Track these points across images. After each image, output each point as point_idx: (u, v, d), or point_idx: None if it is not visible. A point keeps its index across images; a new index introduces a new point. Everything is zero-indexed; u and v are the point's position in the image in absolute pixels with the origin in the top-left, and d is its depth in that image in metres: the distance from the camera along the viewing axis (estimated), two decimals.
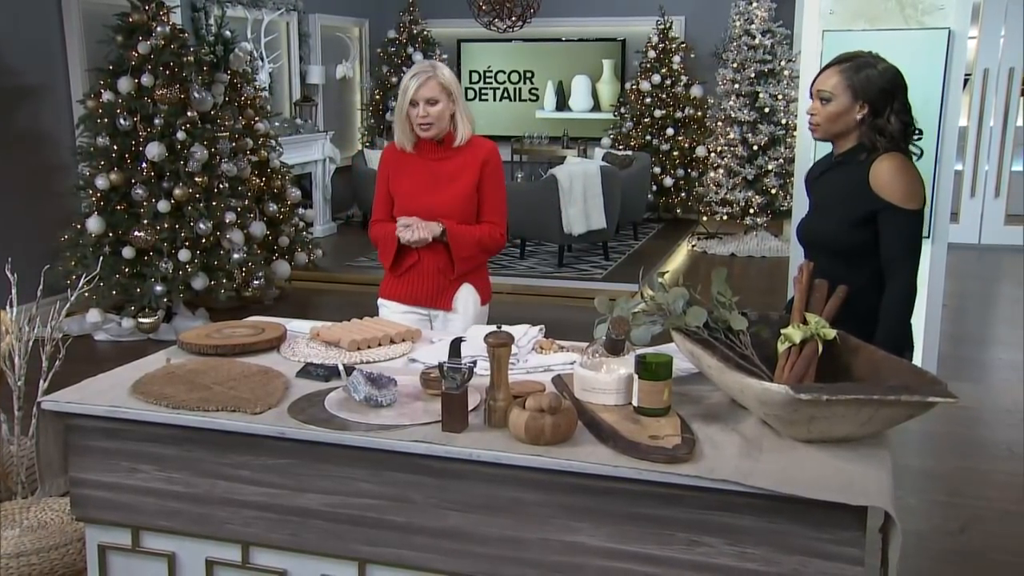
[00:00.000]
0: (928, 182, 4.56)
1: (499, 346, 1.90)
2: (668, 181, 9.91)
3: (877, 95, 2.37)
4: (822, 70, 2.47)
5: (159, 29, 5.85)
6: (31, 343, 3.09)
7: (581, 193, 7.71)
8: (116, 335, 5.91)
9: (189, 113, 5.92)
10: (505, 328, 2.42)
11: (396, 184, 3.03)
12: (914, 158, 2.46)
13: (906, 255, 2.37)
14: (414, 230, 2.89)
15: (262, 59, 8.48)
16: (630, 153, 9.26)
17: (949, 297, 5.75)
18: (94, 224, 5.73)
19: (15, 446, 3.17)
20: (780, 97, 8.88)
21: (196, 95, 5.97)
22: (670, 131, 9.86)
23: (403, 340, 2.53)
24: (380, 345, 2.48)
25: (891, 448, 1.83)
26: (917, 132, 2.45)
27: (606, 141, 10.14)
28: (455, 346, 1.97)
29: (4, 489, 3.38)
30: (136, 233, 5.76)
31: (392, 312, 3.05)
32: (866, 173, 2.38)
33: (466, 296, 3.06)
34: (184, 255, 5.85)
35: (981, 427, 4.58)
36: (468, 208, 2.98)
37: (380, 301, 3.13)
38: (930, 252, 4.70)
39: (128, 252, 5.79)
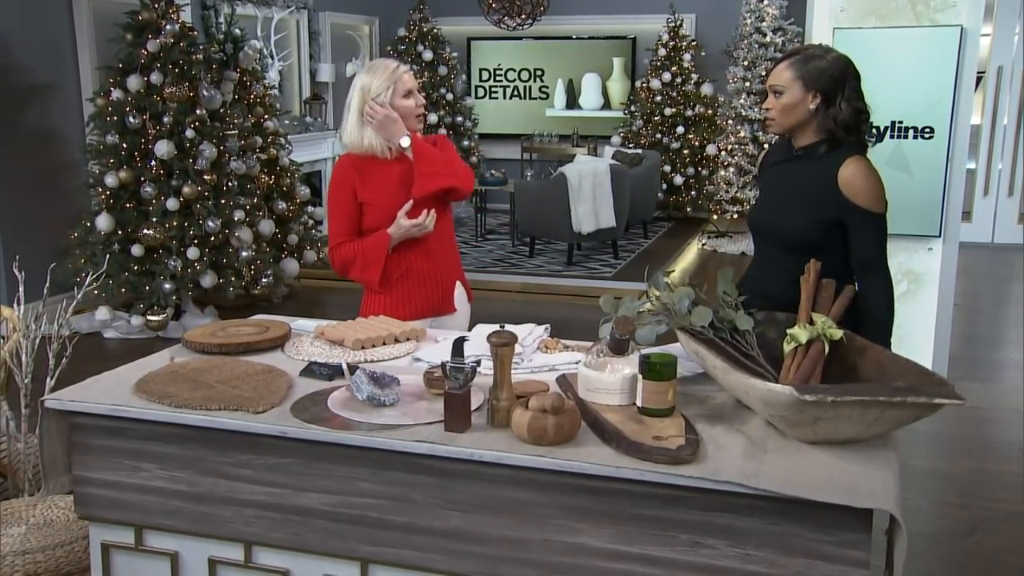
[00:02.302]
0: (939, 180, 4.57)
1: (502, 346, 1.89)
2: (678, 179, 9.88)
3: (827, 83, 2.39)
4: (774, 65, 2.49)
5: (168, 27, 5.87)
6: (38, 341, 3.09)
7: (591, 191, 7.70)
8: (125, 333, 5.93)
9: (198, 111, 5.94)
10: (510, 327, 2.41)
11: (372, 192, 2.82)
12: (870, 144, 2.50)
13: (882, 256, 2.42)
14: (423, 218, 2.77)
15: (272, 57, 8.49)
16: (640, 151, 9.24)
17: (960, 296, 5.72)
18: (103, 222, 5.75)
19: (22, 443, 3.18)
20: None
21: (205, 93, 5.98)
22: (680, 129, 9.84)
23: (407, 339, 2.52)
24: (384, 344, 2.47)
25: (898, 449, 1.81)
26: (867, 118, 2.46)
27: (616, 139, 10.12)
28: (458, 345, 1.95)
29: (12, 486, 3.39)
30: (145, 231, 5.78)
31: None
32: (833, 175, 2.38)
33: (460, 295, 3.02)
34: (193, 253, 5.87)
35: (992, 428, 4.55)
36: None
37: None
38: (941, 251, 4.68)
39: (137, 250, 5.81)
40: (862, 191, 2.36)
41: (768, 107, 2.47)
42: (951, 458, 4.21)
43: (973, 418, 4.56)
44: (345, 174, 2.84)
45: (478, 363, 2.13)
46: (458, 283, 3.03)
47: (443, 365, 1.91)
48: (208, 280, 5.97)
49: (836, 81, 2.39)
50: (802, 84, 2.40)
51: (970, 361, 5.51)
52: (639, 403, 1.90)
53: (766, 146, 8.85)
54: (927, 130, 4.59)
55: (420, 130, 2.88)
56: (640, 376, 1.89)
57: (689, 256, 8.76)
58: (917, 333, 4.72)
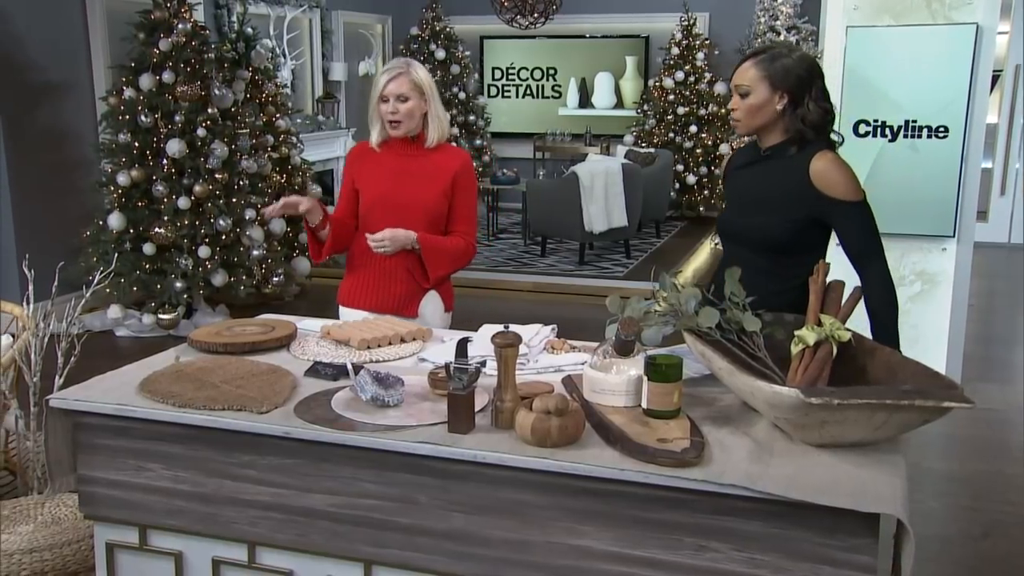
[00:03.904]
0: (954, 180, 4.53)
1: (506, 346, 1.87)
2: (691, 179, 9.84)
3: (794, 83, 2.34)
4: (738, 65, 2.43)
5: (180, 26, 5.87)
6: (46, 339, 3.10)
7: (602, 191, 7.67)
8: (137, 331, 5.94)
9: (209, 110, 5.94)
10: (515, 328, 2.40)
11: (362, 179, 2.95)
12: (837, 146, 2.43)
13: (873, 245, 2.34)
14: (384, 242, 2.79)
15: (284, 56, 8.50)
16: (652, 151, 9.21)
17: (976, 297, 5.67)
18: (115, 220, 5.77)
19: (31, 442, 3.19)
20: None
21: (216, 92, 5.99)
22: (693, 128, 9.80)
23: (413, 339, 2.51)
24: (390, 344, 2.46)
25: (906, 453, 1.79)
26: (833, 119, 2.40)
27: (629, 138, 10.09)
28: (462, 346, 1.94)
29: (21, 484, 3.40)
30: (156, 229, 5.79)
31: (353, 319, 2.84)
32: (804, 172, 2.33)
33: (431, 303, 2.96)
34: (204, 251, 5.88)
35: (1007, 429, 4.50)
36: (436, 212, 2.89)
37: (341, 308, 3.01)
38: (955, 251, 4.64)
39: (148, 248, 5.83)
40: (835, 183, 2.30)
41: (734, 107, 2.42)
42: (964, 460, 4.17)
43: (987, 419, 4.51)
44: (350, 160, 3.05)
45: (483, 364, 2.12)
46: (432, 292, 2.96)
47: (447, 366, 1.90)
48: (219, 279, 5.97)
49: (803, 81, 2.33)
50: (769, 84, 2.34)
51: (985, 362, 5.46)
52: (644, 405, 1.88)
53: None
54: (941, 129, 4.55)
55: (400, 134, 2.86)
56: (645, 377, 1.87)
57: (702, 256, 8.71)
58: (931, 334, 4.68)
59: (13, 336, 3.37)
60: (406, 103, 2.82)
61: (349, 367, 2.18)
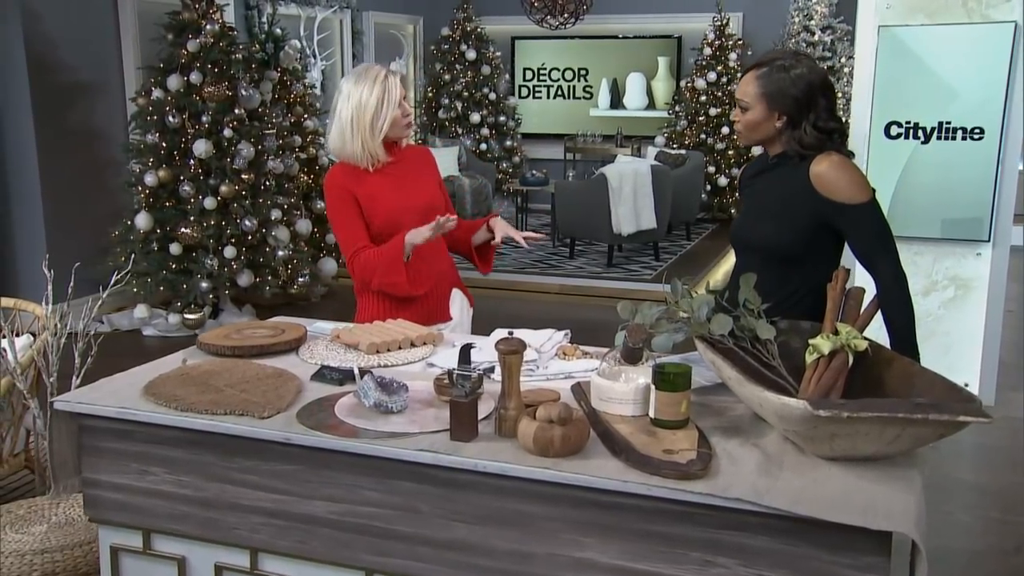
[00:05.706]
0: (989, 183, 4.42)
1: (509, 353, 1.83)
2: (722, 181, 9.73)
3: (791, 106, 2.25)
4: (742, 75, 2.35)
5: (208, 27, 5.90)
6: (63, 340, 3.11)
7: (631, 192, 7.60)
8: (163, 331, 5.98)
9: (236, 111, 5.96)
10: (525, 332, 2.36)
11: (369, 199, 2.75)
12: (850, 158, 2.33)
13: (879, 245, 2.24)
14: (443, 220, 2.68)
15: (315, 56, 8.53)
16: (683, 152, 9.11)
17: (1013, 303, 5.52)
18: (142, 220, 5.80)
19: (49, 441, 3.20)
20: (840, 95, 8.65)
21: (243, 92, 6.01)
22: (725, 130, 9.69)
23: (424, 343, 2.47)
24: (400, 348, 2.43)
25: (931, 464, 1.72)
26: (839, 136, 2.30)
27: (660, 140, 10.00)
28: (465, 352, 1.90)
29: (39, 483, 3.41)
30: (183, 229, 5.82)
31: None
32: (806, 178, 2.25)
33: (459, 302, 2.91)
34: (230, 252, 5.90)
35: None
36: (441, 206, 2.83)
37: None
38: (991, 256, 4.52)
39: (175, 248, 5.85)
40: (837, 186, 2.21)
41: (735, 119, 2.36)
42: (996, 471, 4.05)
43: (1021, 429, 4.39)
44: (341, 183, 2.76)
45: (492, 369, 2.08)
46: (455, 291, 2.93)
47: (450, 372, 1.86)
48: (244, 279, 5.99)
49: (801, 104, 2.24)
50: (766, 104, 2.26)
51: (1021, 369, 5.31)
52: (652, 414, 1.83)
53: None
54: (976, 131, 4.44)
55: (408, 137, 2.83)
56: (653, 386, 1.82)
57: (732, 259, 8.61)
58: (965, 340, 4.57)
59: (34, 336, 3.39)
60: (405, 99, 2.77)
61: (356, 371, 2.15)
